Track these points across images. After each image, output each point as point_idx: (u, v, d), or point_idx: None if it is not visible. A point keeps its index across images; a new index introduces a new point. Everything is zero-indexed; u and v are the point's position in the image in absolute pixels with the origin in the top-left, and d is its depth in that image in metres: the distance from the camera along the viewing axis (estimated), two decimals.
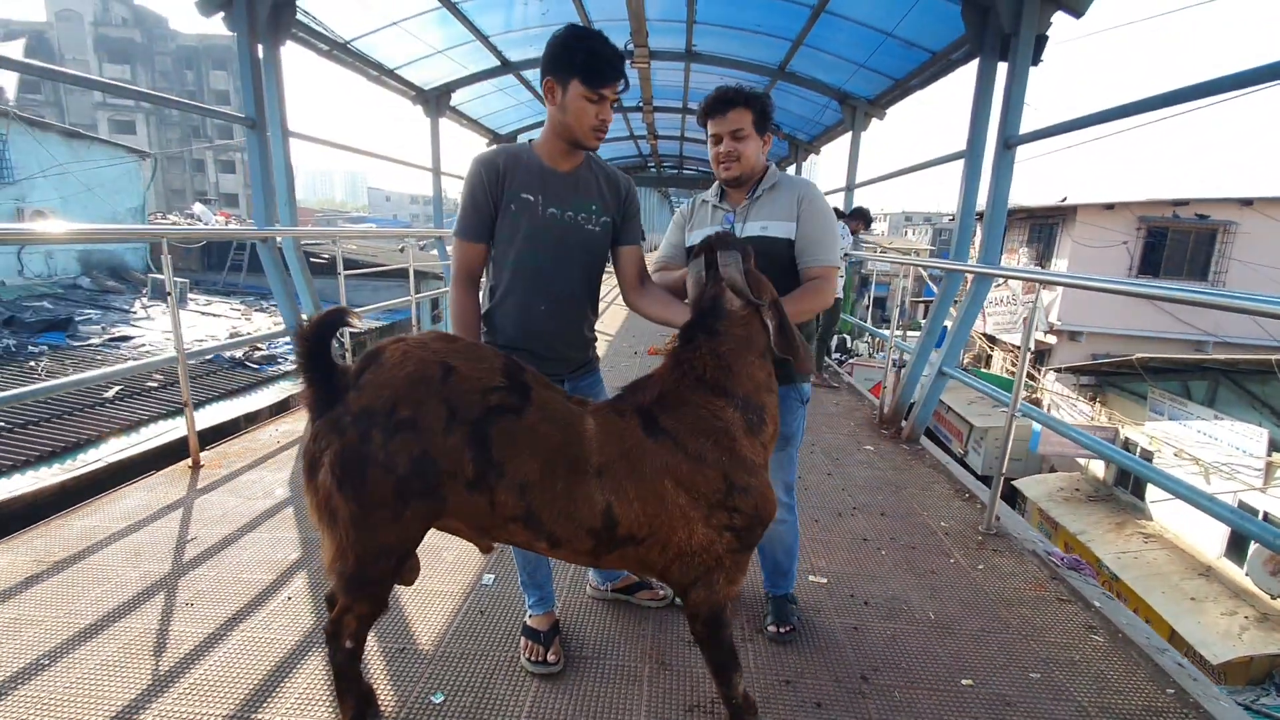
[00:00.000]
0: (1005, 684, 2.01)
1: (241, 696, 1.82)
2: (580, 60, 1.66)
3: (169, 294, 3.27)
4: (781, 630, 2.17)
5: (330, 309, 1.46)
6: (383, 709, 1.80)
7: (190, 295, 15.74)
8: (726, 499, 1.42)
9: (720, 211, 2.09)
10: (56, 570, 2.40)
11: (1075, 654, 2.19)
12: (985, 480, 3.86)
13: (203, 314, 13.86)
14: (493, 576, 2.51)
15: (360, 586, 1.44)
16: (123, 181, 16.91)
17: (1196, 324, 12.72)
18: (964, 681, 2.02)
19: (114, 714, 1.73)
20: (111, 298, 14.59)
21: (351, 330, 5.42)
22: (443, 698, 1.86)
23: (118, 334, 11.16)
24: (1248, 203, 12.62)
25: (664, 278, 2.07)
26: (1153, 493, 9.59)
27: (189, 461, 3.43)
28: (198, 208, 23.92)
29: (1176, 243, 13.05)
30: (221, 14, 4.09)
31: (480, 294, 1.92)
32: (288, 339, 4.81)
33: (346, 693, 1.57)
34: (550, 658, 1.96)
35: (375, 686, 1.85)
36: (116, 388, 8.15)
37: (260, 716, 1.75)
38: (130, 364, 4.01)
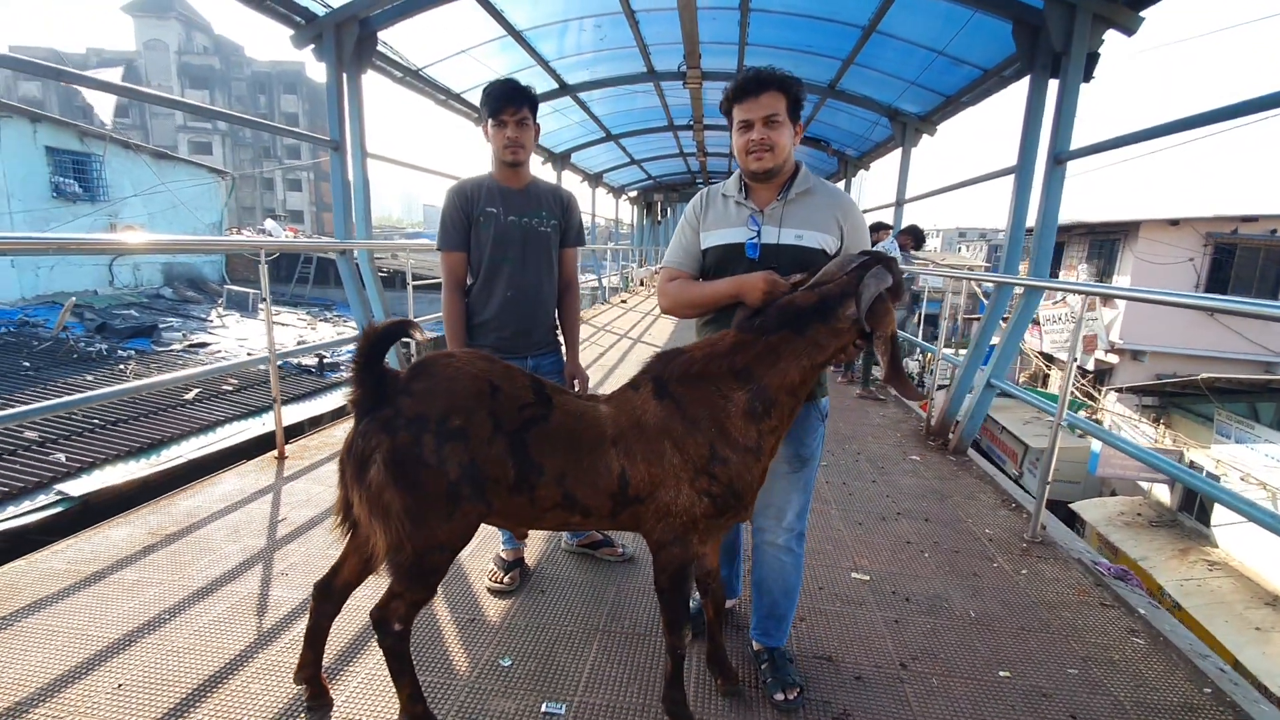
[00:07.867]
0: (1043, 677, 2.09)
1: (336, 650, 2.04)
2: (483, 102, 2.23)
3: (264, 300, 3.60)
4: (789, 697, 1.89)
5: (396, 319, 1.61)
6: (456, 669, 2.00)
7: (258, 305, 16.65)
8: (709, 465, 1.59)
9: (745, 210, 1.86)
10: (169, 542, 2.70)
11: (1115, 654, 2.24)
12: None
13: (272, 323, 14.63)
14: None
15: (418, 577, 1.56)
16: (203, 199, 18.05)
17: (1266, 344, 12.15)
18: (1001, 673, 2.10)
19: (227, 661, 1.98)
20: (190, 307, 15.57)
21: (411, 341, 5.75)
22: (510, 662, 2.05)
23: (197, 340, 11.92)
24: None
25: (686, 290, 1.89)
26: (1219, 518, 9.19)
27: (275, 453, 3.74)
28: (269, 224, 25.29)
29: (1245, 259, 12.53)
30: (312, 46, 4.49)
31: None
32: None
33: (401, 673, 1.64)
34: (506, 580, 2.46)
35: (448, 650, 2.06)
36: (195, 390, 8.75)
37: (351, 668, 1.98)
38: (231, 362, 4.38)
